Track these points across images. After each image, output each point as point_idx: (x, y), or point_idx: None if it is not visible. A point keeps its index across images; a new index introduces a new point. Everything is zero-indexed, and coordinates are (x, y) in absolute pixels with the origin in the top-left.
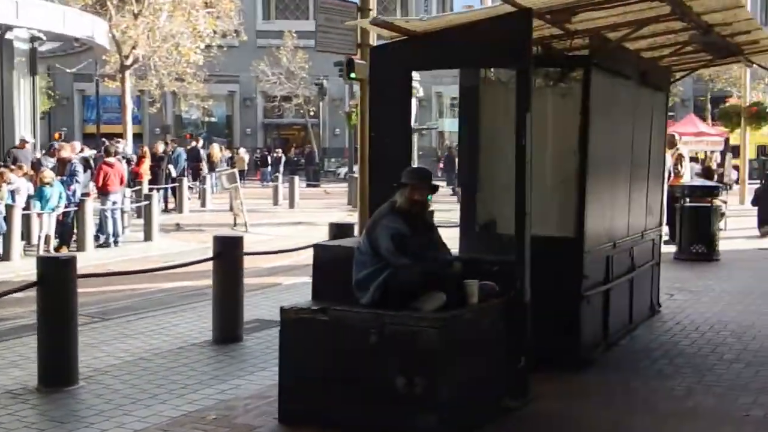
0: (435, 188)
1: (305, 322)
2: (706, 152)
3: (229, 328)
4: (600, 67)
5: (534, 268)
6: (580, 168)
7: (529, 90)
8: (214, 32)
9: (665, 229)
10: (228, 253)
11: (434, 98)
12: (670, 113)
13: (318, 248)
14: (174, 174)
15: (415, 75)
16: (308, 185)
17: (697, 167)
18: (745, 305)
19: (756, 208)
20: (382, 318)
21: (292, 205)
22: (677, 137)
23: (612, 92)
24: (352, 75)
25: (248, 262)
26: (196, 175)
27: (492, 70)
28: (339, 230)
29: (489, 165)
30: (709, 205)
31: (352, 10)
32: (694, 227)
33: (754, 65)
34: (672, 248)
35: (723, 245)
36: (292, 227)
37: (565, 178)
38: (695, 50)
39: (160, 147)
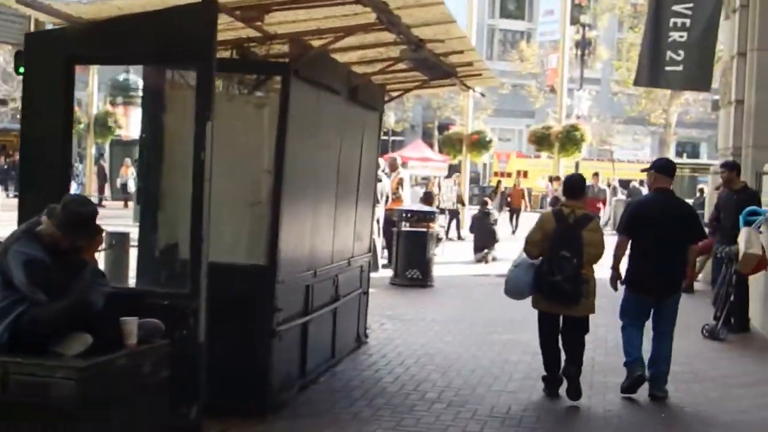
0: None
1: None
2: (436, 177)
3: None
4: (302, 77)
5: (216, 301)
6: (274, 187)
7: (211, 95)
8: None
9: (384, 252)
10: None
11: None
12: (399, 137)
13: None
14: None
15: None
16: (16, 195)
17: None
18: (454, 335)
19: (473, 234)
20: (4, 366)
21: None
22: (399, 160)
23: (317, 106)
24: (21, 69)
25: None
26: None
27: (178, 71)
28: None
29: (172, 179)
30: (425, 230)
31: None
32: (410, 252)
33: (470, 90)
34: (390, 272)
35: (439, 271)
36: None
37: (257, 199)
38: (409, 68)
39: None
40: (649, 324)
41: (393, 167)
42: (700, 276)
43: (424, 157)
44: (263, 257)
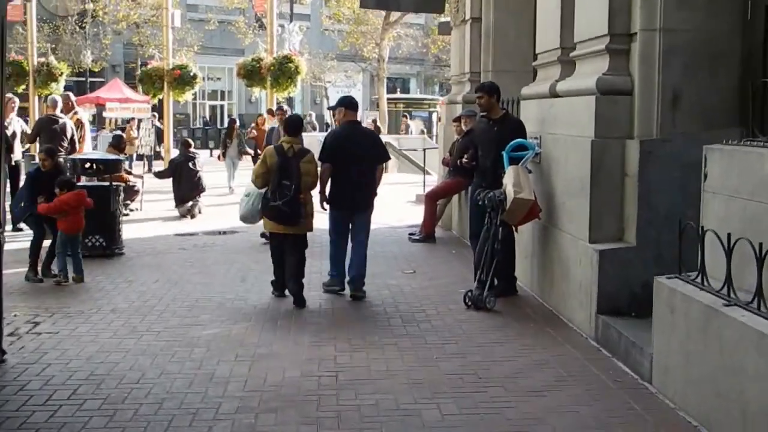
0: None
1: None
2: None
3: None
4: None
5: None
6: None
7: None
8: None
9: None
10: None
11: None
12: (100, 78)
13: None
14: None
15: None
16: None
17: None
18: (139, 335)
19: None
20: None
21: None
22: (72, 98)
23: None
24: None
25: None
26: None
27: None
28: None
29: None
30: (109, 184)
31: None
32: (90, 212)
33: None
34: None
35: (133, 232)
36: None
37: None
38: None
39: None
40: None
41: (68, 107)
42: (440, 222)
43: (124, 98)
44: None
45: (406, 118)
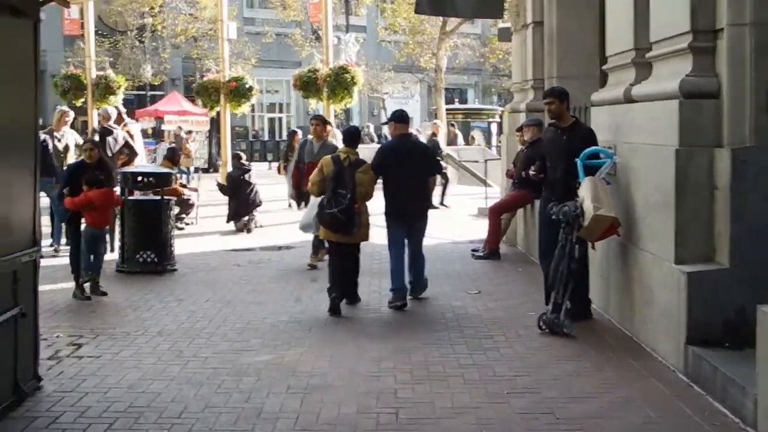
0: None
1: None
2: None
3: None
4: None
5: None
6: None
7: None
8: None
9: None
10: None
11: None
12: (159, 92)
13: None
14: None
15: None
16: None
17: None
18: (186, 361)
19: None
20: None
21: None
22: (122, 110)
23: None
24: None
25: None
26: None
27: None
28: None
29: None
30: (161, 199)
31: None
32: (141, 228)
33: None
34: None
35: (187, 247)
36: None
37: None
38: None
39: None
40: None
41: (120, 119)
42: (504, 237)
43: (182, 110)
44: None
45: (454, 127)
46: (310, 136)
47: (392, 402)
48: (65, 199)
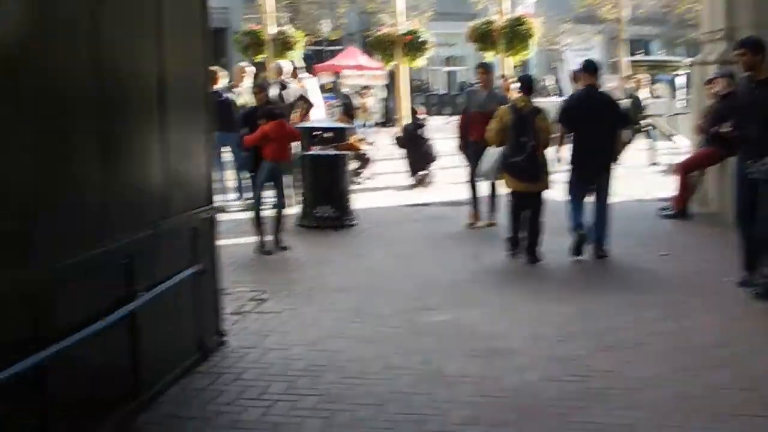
0: None
1: None
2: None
3: None
4: None
5: None
6: None
7: None
8: None
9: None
10: None
11: None
12: (338, 47)
13: None
14: None
15: None
16: None
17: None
18: (364, 318)
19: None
20: None
21: None
22: (297, 65)
23: None
24: None
25: None
26: None
27: None
28: None
29: None
30: (338, 153)
31: None
32: (319, 183)
33: None
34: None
35: (365, 201)
36: None
37: None
38: None
39: None
40: None
41: (294, 73)
42: (694, 197)
43: (357, 65)
44: None
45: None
46: (476, 85)
47: (578, 370)
48: (245, 137)
